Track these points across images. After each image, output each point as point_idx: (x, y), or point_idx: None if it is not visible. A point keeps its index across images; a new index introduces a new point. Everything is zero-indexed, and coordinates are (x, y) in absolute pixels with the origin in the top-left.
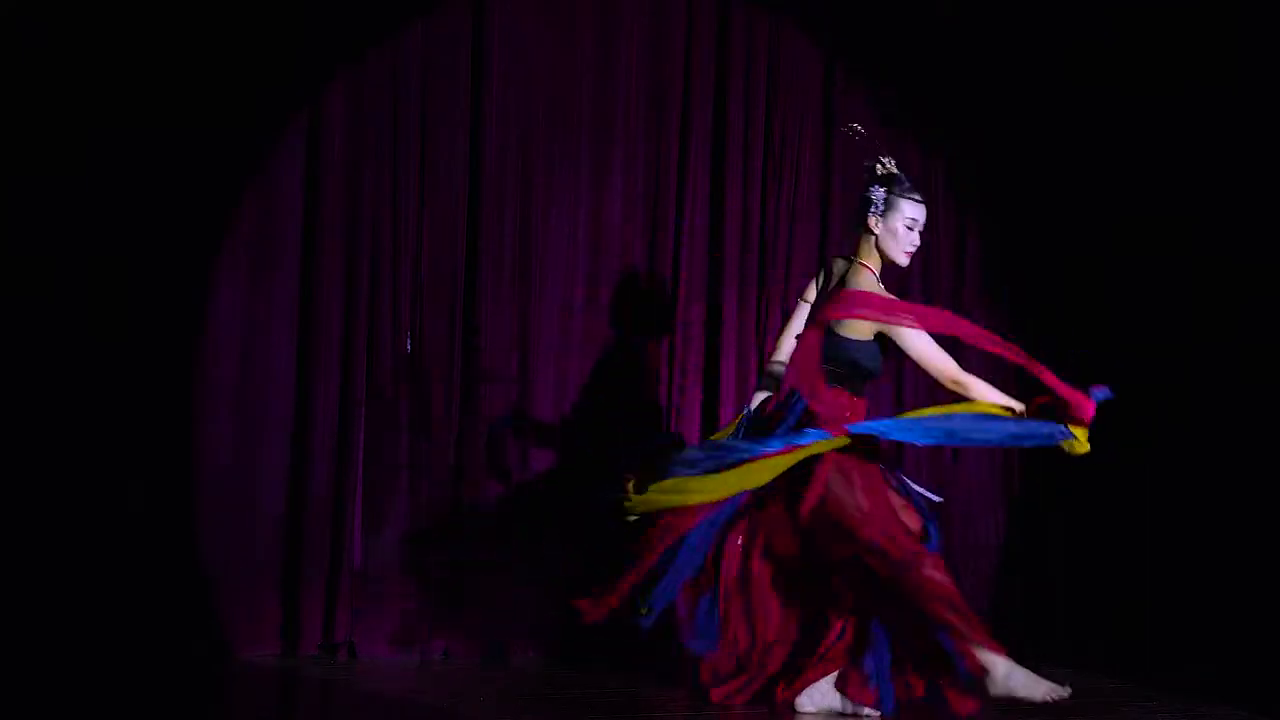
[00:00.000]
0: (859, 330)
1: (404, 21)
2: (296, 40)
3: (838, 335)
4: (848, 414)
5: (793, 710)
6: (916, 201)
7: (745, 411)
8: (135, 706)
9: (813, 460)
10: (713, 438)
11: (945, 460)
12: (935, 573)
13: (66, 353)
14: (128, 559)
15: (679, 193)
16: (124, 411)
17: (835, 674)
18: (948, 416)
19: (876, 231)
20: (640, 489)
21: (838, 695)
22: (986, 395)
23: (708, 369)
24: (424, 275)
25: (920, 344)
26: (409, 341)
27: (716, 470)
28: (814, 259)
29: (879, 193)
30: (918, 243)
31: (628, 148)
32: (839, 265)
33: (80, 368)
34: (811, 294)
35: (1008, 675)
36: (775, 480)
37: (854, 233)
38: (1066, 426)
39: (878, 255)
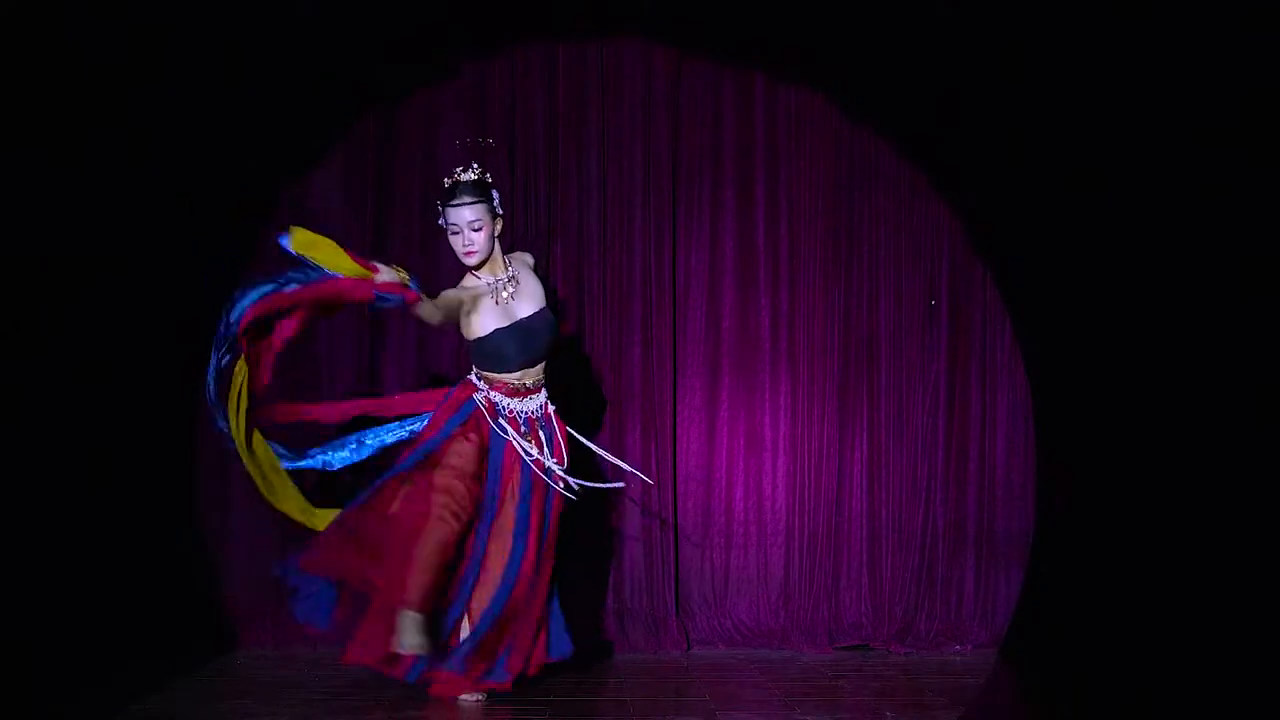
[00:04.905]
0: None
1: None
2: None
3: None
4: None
5: None
6: (453, 207)
7: None
8: (138, 697)
9: None
10: None
11: (972, 451)
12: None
13: (81, 354)
14: (132, 551)
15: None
16: (125, 413)
17: None
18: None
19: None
20: None
21: None
22: None
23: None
24: None
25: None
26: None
27: None
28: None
29: (439, 207)
30: (471, 243)
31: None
32: None
33: (89, 369)
34: None
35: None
36: None
37: None
38: None
39: None
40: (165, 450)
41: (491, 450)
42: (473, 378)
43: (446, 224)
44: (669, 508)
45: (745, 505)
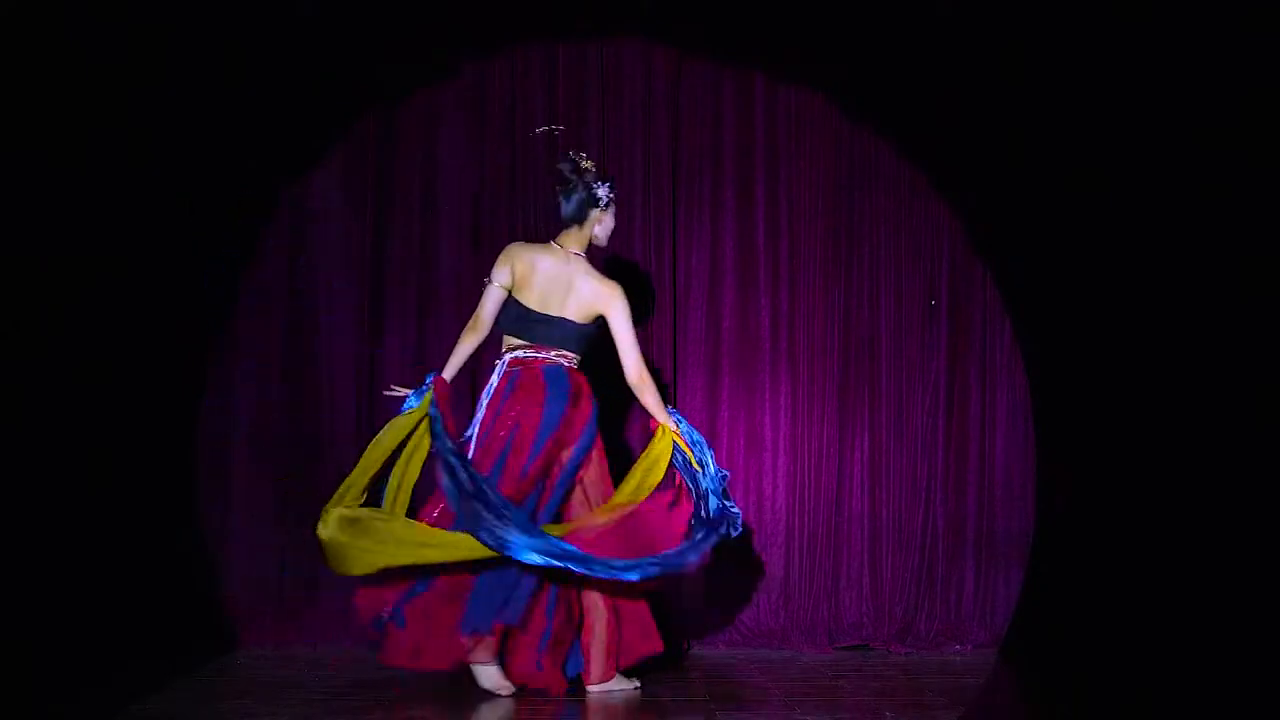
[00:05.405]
0: (588, 315)
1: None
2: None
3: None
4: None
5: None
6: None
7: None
8: (138, 697)
9: None
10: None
11: (972, 451)
12: None
13: (81, 354)
14: (132, 551)
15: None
16: (125, 413)
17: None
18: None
19: (601, 222)
20: None
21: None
22: (649, 402)
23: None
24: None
25: (627, 332)
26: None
27: None
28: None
29: (604, 189)
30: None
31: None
32: (554, 254)
33: (89, 369)
34: (505, 278)
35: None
36: None
37: (566, 224)
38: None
39: (586, 243)
40: (165, 450)
41: None
42: (574, 364)
43: (612, 203)
44: None
45: (745, 505)
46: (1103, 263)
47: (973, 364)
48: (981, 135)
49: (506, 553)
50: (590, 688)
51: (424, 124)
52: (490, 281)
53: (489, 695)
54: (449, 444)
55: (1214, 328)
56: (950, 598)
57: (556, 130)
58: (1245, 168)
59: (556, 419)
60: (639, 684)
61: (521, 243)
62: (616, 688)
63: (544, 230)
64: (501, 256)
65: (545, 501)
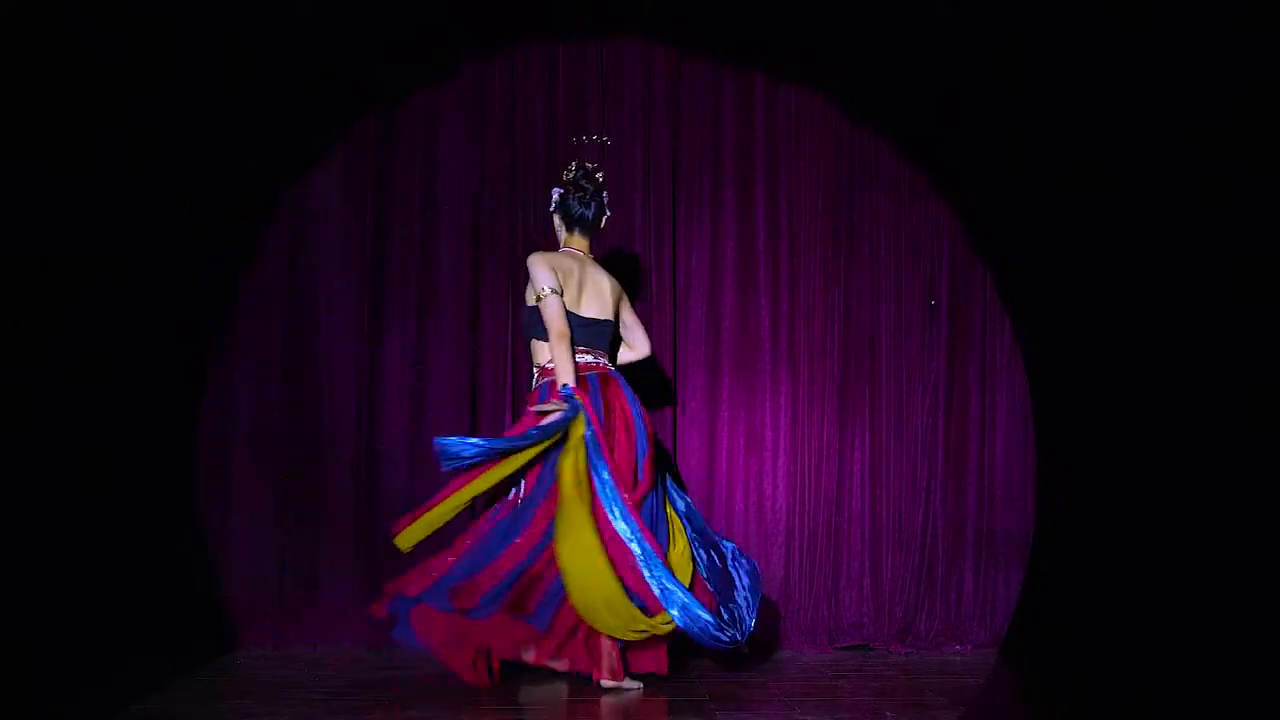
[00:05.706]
0: (614, 313)
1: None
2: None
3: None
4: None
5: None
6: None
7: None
8: (138, 697)
9: None
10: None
11: (972, 451)
12: None
13: (81, 354)
14: (132, 551)
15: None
16: (125, 413)
17: None
18: None
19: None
20: None
21: None
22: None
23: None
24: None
25: (635, 315)
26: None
27: None
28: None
29: (605, 197)
30: None
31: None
32: (579, 259)
33: (89, 369)
34: (558, 285)
35: None
36: None
37: (584, 229)
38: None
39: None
40: (165, 450)
41: None
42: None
43: None
44: None
45: (745, 505)
46: (1102, 263)
47: (973, 364)
48: (981, 135)
49: (665, 601)
50: (604, 683)
51: (424, 124)
52: (548, 292)
53: (485, 694)
54: (609, 472)
55: (1214, 328)
56: (950, 598)
57: (605, 141)
58: (1245, 168)
59: (644, 426)
60: (641, 685)
61: (541, 251)
62: (626, 687)
63: (544, 232)
64: (542, 267)
65: (664, 502)
